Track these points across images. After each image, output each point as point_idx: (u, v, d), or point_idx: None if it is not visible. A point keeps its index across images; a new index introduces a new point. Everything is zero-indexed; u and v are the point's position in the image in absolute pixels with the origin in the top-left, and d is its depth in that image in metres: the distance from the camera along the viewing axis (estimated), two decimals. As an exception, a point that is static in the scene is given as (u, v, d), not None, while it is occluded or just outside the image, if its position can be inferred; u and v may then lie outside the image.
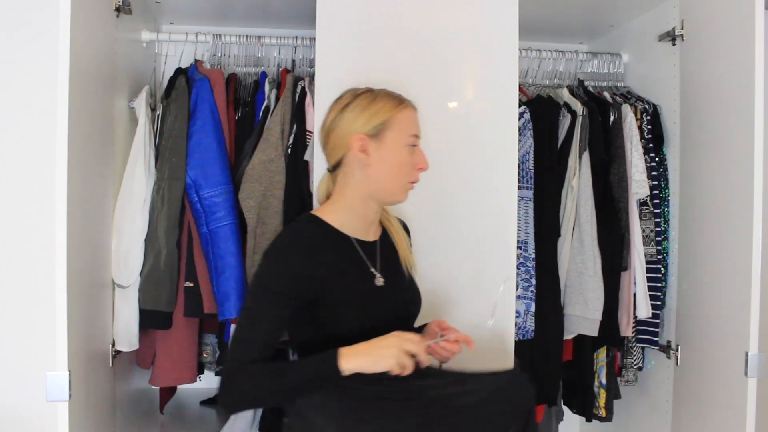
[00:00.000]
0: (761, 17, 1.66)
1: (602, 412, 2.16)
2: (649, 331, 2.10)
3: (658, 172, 2.10)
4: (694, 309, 1.96)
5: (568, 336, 2.06)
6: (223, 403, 1.29)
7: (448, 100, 1.82)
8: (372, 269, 1.38)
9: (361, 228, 1.40)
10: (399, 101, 1.38)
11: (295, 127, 1.95)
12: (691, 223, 1.99)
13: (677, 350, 2.02)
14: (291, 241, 1.32)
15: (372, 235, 1.43)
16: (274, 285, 1.27)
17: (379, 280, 1.37)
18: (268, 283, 1.28)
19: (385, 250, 1.43)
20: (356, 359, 1.20)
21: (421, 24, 1.81)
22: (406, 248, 1.47)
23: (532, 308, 1.98)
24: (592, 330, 2.00)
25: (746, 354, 1.65)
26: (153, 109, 2.00)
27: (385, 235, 1.46)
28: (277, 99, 2.00)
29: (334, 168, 1.40)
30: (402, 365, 1.20)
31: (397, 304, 1.42)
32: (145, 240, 1.85)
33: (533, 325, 1.98)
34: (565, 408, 2.31)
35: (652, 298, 2.07)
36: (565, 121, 2.10)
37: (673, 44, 2.07)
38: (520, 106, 2.02)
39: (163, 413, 2.18)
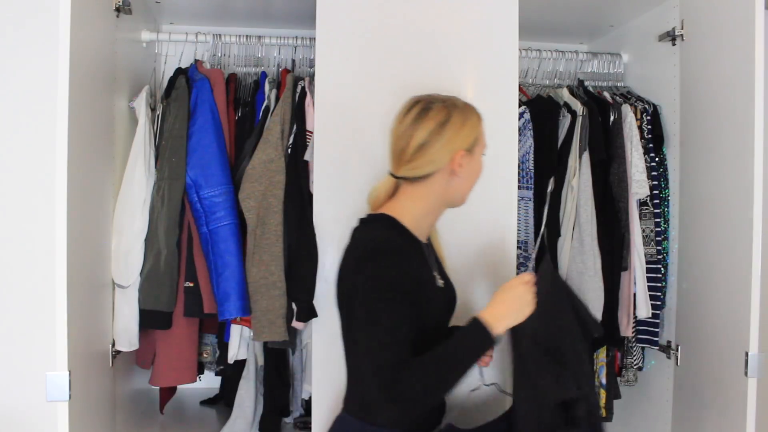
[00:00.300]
0: (761, 17, 1.66)
1: (602, 412, 2.15)
2: (649, 331, 2.10)
3: (658, 172, 2.10)
4: (694, 309, 1.96)
5: (568, 336, 2.06)
6: (396, 408, 1.24)
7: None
8: (433, 271, 1.41)
9: (426, 232, 1.43)
10: (479, 115, 1.40)
11: (295, 127, 1.95)
12: (691, 223, 1.99)
13: (677, 350, 2.02)
14: (388, 243, 1.31)
15: (425, 236, 1.44)
16: (395, 286, 1.25)
17: (439, 281, 1.41)
18: (388, 286, 1.25)
19: (432, 252, 1.47)
20: (504, 320, 1.28)
21: (421, 24, 1.81)
22: (441, 251, 1.50)
23: None
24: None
25: (746, 354, 1.65)
26: (153, 109, 2.00)
27: (428, 240, 1.48)
28: (277, 99, 2.00)
29: (418, 178, 1.36)
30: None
31: (450, 303, 1.46)
32: (145, 240, 1.85)
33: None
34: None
35: (652, 298, 2.07)
36: (565, 121, 2.10)
37: (673, 44, 2.07)
38: (520, 106, 2.02)
39: (163, 413, 2.18)
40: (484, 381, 1.47)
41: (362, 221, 1.40)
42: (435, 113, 1.34)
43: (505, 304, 1.30)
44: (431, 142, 1.32)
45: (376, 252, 1.28)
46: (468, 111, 1.38)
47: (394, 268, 1.26)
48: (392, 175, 1.38)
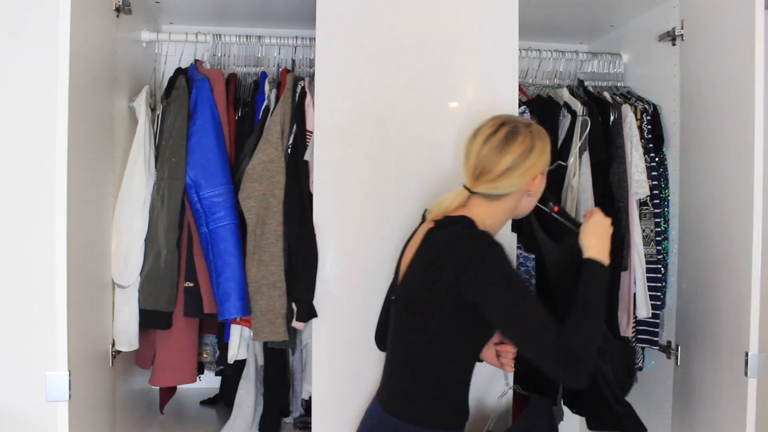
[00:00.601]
0: (761, 17, 1.66)
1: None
2: (649, 331, 2.10)
3: (658, 172, 2.10)
4: (694, 309, 1.96)
5: (568, 336, 2.06)
6: (581, 375, 1.29)
7: (448, 100, 1.83)
8: None
9: None
10: (548, 138, 1.46)
11: (295, 127, 1.95)
12: (691, 223, 1.99)
13: (677, 350, 2.02)
14: (492, 236, 1.39)
15: None
16: (514, 270, 1.37)
17: None
18: (513, 271, 1.36)
19: None
20: (606, 252, 1.42)
21: (421, 24, 1.81)
22: None
23: None
24: (592, 330, 2.00)
25: (746, 354, 1.65)
26: (153, 109, 2.00)
27: None
28: (277, 99, 2.00)
29: (498, 196, 1.42)
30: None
31: None
32: (145, 240, 1.85)
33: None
34: (565, 408, 2.30)
35: (652, 298, 2.07)
36: (565, 121, 2.10)
37: (673, 44, 2.07)
38: (519, 106, 2.02)
39: (163, 413, 2.18)
40: (510, 384, 1.59)
41: (440, 223, 1.43)
42: (522, 139, 1.40)
43: (601, 239, 1.43)
44: (517, 167, 1.39)
45: (492, 244, 1.34)
46: (545, 137, 1.44)
47: (506, 255, 1.35)
48: (467, 189, 1.43)
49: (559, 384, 2.15)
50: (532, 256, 2.02)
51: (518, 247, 1.95)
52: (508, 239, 1.82)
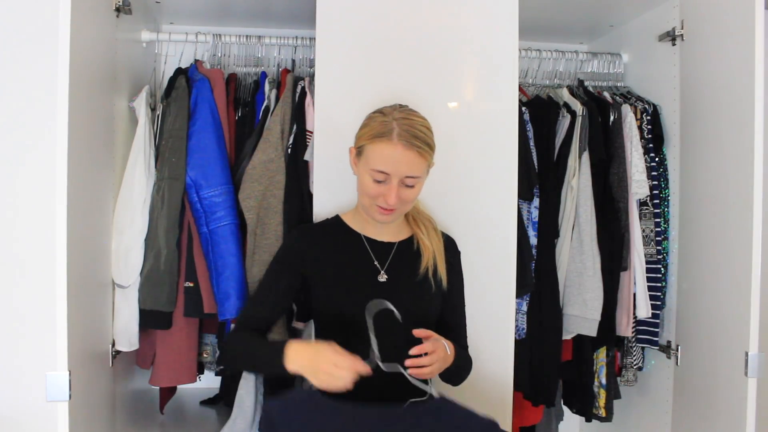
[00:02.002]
0: (761, 17, 1.66)
1: (602, 412, 2.15)
2: (649, 331, 2.10)
3: (658, 172, 2.10)
4: (694, 309, 1.96)
5: (568, 336, 2.06)
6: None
7: (448, 100, 1.82)
8: (377, 264, 1.48)
9: (371, 228, 1.53)
10: (380, 133, 1.40)
11: (295, 127, 1.95)
12: (691, 223, 1.99)
13: (677, 350, 2.02)
14: (301, 226, 1.57)
15: (389, 236, 1.53)
16: (279, 257, 1.54)
17: (383, 276, 1.47)
18: (276, 257, 1.55)
19: (405, 251, 1.53)
20: (298, 365, 1.32)
21: (421, 24, 1.80)
22: (432, 258, 1.52)
23: (524, 308, 1.98)
24: (591, 330, 2.00)
25: (746, 354, 1.65)
26: (153, 109, 2.00)
27: (409, 241, 1.55)
28: (277, 99, 2.00)
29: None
30: (334, 385, 1.25)
31: (394, 302, 1.42)
32: (145, 240, 1.85)
33: (525, 324, 1.98)
34: (565, 408, 2.31)
35: (652, 298, 2.07)
36: (565, 121, 2.10)
37: (673, 44, 2.07)
38: (520, 106, 2.02)
39: (163, 413, 2.18)
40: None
41: None
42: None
43: (311, 359, 1.30)
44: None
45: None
46: (372, 122, 1.43)
47: (284, 245, 1.61)
48: None
49: (558, 384, 2.16)
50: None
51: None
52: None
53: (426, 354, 1.32)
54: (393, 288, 1.47)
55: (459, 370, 1.50)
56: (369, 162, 1.41)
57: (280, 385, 2.08)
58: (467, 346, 1.60)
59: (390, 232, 1.54)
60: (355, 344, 1.34)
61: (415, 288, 1.49)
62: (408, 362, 1.31)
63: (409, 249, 1.53)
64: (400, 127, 1.39)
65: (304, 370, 1.31)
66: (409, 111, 1.45)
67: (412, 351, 1.32)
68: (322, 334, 1.51)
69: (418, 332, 1.34)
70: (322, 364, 1.26)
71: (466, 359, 1.55)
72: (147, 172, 1.86)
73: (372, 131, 1.41)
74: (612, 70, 2.39)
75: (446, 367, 1.39)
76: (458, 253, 1.62)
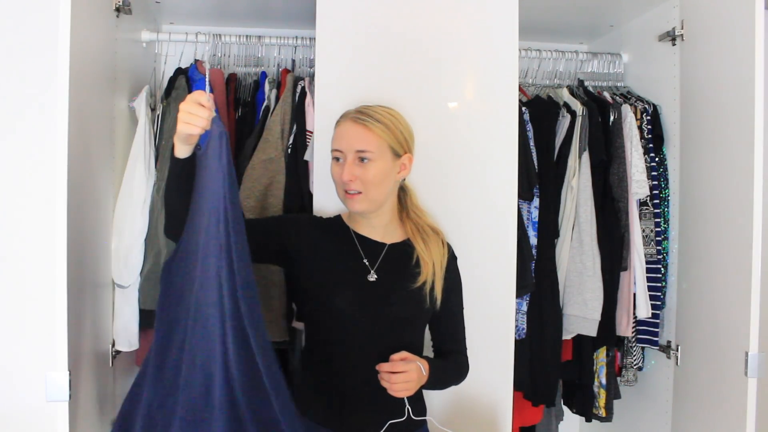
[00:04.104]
0: (761, 17, 1.66)
1: (602, 412, 2.16)
2: (649, 331, 2.10)
3: (658, 172, 2.10)
4: (694, 309, 1.96)
5: (568, 336, 2.06)
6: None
7: (448, 100, 1.82)
8: (366, 262, 1.46)
9: (364, 226, 1.51)
10: (342, 115, 1.48)
11: (295, 127, 1.95)
12: (691, 223, 1.99)
13: (677, 350, 2.02)
14: (315, 216, 1.59)
15: (382, 236, 1.51)
16: (285, 215, 1.64)
17: (372, 276, 1.45)
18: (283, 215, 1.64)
19: (396, 254, 1.50)
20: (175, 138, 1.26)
21: (421, 24, 1.80)
22: (431, 275, 1.47)
23: (524, 308, 1.98)
24: (591, 330, 2.00)
25: (746, 354, 1.65)
26: (153, 109, 2.00)
27: (403, 245, 1.52)
28: (277, 99, 2.00)
29: None
30: (188, 120, 1.20)
31: (382, 301, 1.44)
32: (145, 240, 1.85)
33: (525, 324, 1.98)
34: (565, 408, 2.31)
35: (652, 298, 2.07)
36: (565, 121, 2.10)
37: (673, 44, 2.07)
38: (520, 106, 2.02)
39: (163, 413, 2.18)
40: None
41: None
42: None
43: (417, 382, 1.37)
44: None
45: None
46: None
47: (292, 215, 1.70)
48: None
49: (558, 384, 2.16)
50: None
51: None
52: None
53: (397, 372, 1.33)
54: (383, 289, 1.45)
55: (439, 384, 1.49)
56: (332, 143, 1.47)
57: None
58: (465, 351, 1.57)
59: (381, 232, 1.51)
60: (342, 338, 1.41)
61: (405, 294, 1.45)
62: (379, 367, 1.34)
63: (401, 253, 1.50)
64: (352, 110, 1.46)
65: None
66: (377, 105, 1.48)
67: (381, 367, 1.34)
68: (310, 329, 1.51)
69: (393, 357, 1.35)
70: (182, 108, 1.21)
71: (451, 372, 1.52)
72: (147, 172, 1.86)
73: (341, 116, 1.48)
74: (612, 70, 2.39)
75: (422, 385, 1.40)
76: (455, 258, 1.57)
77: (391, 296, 1.45)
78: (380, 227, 1.51)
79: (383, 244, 1.50)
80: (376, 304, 1.43)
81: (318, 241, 1.48)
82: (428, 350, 1.56)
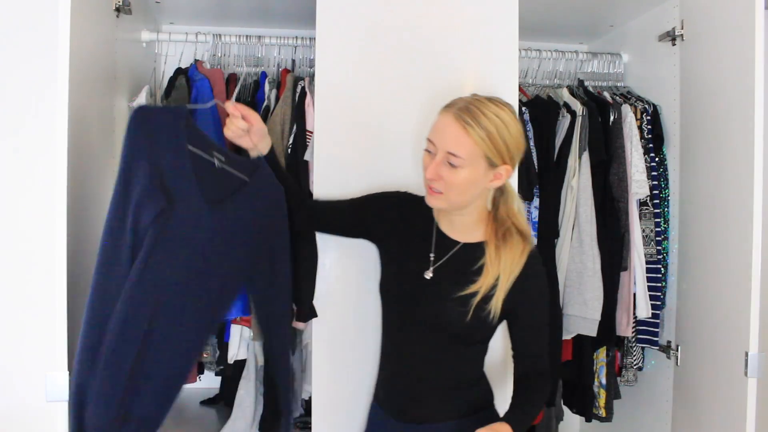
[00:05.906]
0: (761, 17, 1.66)
1: (602, 412, 2.15)
2: (649, 331, 2.10)
3: (658, 172, 2.10)
4: (694, 309, 1.96)
5: (567, 336, 2.06)
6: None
7: (448, 100, 1.82)
8: (431, 256, 1.42)
9: (444, 219, 1.45)
10: (449, 104, 1.37)
11: (295, 127, 1.95)
12: (691, 223, 1.99)
13: (677, 350, 2.02)
14: (406, 193, 1.53)
15: (459, 234, 1.42)
16: (375, 193, 1.55)
17: (429, 273, 1.41)
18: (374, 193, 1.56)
19: (465, 256, 1.40)
20: None
21: (420, 24, 1.80)
22: (490, 285, 1.35)
23: None
24: (591, 330, 2.00)
25: (746, 354, 1.65)
26: (153, 109, 2.00)
27: (480, 246, 1.40)
28: (277, 99, 2.00)
29: None
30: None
31: (428, 302, 1.39)
32: (145, 240, 1.85)
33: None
34: (565, 408, 2.31)
35: (652, 298, 2.07)
36: (565, 121, 2.10)
37: (673, 44, 2.07)
38: (519, 106, 2.02)
39: (163, 413, 2.18)
40: None
41: None
42: None
43: None
44: None
45: None
46: None
47: (385, 192, 1.58)
48: None
49: (558, 384, 2.16)
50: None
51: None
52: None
53: None
54: (433, 291, 1.38)
55: (526, 425, 1.36)
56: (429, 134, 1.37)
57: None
58: (544, 368, 1.41)
59: (459, 230, 1.41)
60: (399, 321, 1.44)
61: (453, 301, 1.35)
62: None
63: (471, 255, 1.38)
64: (462, 101, 1.35)
65: None
66: (489, 97, 1.37)
67: None
68: (383, 301, 1.50)
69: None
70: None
71: (530, 412, 1.37)
72: (147, 172, 1.86)
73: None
74: (612, 70, 2.39)
75: None
76: (534, 273, 1.39)
77: (436, 301, 1.37)
78: (460, 225, 1.41)
79: (456, 243, 1.41)
80: (423, 304, 1.39)
81: (395, 225, 1.47)
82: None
